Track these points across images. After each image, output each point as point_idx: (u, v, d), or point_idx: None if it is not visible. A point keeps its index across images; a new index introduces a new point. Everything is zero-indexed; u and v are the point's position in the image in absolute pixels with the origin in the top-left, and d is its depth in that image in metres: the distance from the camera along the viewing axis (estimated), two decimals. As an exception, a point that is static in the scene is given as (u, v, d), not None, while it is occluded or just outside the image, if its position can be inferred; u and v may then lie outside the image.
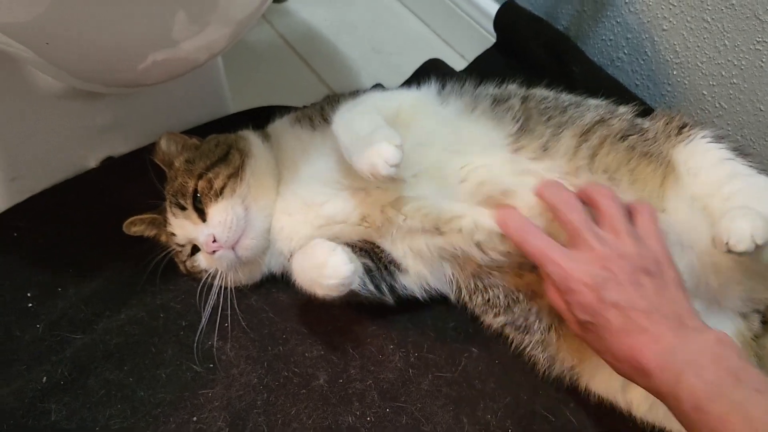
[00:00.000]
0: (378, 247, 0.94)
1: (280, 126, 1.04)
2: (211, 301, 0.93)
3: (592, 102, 1.01)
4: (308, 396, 0.90)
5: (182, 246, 0.95)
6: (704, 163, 0.90)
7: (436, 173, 0.91)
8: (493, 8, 1.42)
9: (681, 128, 0.96)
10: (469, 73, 1.40)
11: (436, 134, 0.93)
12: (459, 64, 1.46)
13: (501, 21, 1.40)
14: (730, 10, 1.05)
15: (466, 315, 0.98)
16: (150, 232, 1.00)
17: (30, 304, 0.97)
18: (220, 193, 0.91)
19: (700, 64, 1.14)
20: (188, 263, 0.96)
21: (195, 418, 0.87)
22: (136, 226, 0.99)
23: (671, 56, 1.18)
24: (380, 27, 1.66)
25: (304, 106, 1.16)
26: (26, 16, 0.65)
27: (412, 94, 1.01)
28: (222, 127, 1.16)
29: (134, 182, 1.06)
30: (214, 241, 0.88)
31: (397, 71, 1.46)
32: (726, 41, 1.08)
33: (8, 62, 0.92)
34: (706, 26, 1.10)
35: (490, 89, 1.02)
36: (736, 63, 1.08)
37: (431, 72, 1.35)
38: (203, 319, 0.93)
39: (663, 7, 1.15)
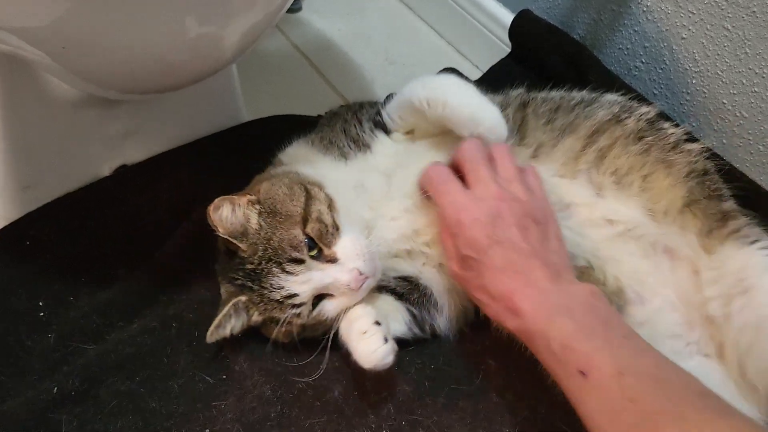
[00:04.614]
0: (421, 284, 0.93)
1: (299, 152, 1.00)
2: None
3: (608, 98, 1.00)
4: (323, 408, 0.89)
5: (301, 304, 0.84)
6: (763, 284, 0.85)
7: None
8: (508, 18, 1.42)
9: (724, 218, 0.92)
10: (483, 84, 1.40)
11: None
12: (474, 75, 1.45)
13: (516, 30, 1.39)
14: (751, 17, 1.04)
15: (482, 328, 0.97)
16: (238, 327, 0.88)
17: (42, 314, 0.96)
18: (337, 227, 0.86)
19: (720, 73, 1.12)
20: (309, 319, 0.86)
21: (208, 431, 0.86)
22: (220, 330, 0.87)
23: (690, 65, 1.16)
24: (394, 37, 1.66)
25: (319, 116, 1.16)
26: (44, 20, 0.65)
27: None
28: (237, 135, 1.16)
29: (148, 191, 1.06)
30: (360, 273, 0.84)
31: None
32: (747, 49, 1.06)
33: (22, 68, 0.92)
34: (726, 34, 1.08)
35: (492, 98, 1.01)
36: (757, 71, 1.06)
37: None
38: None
39: (682, 15, 1.14)
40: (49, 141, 1.04)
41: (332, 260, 0.84)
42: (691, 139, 0.98)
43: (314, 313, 0.85)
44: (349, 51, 1.62)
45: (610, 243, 0.92)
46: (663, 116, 1.00)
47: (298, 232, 0.83)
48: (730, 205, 0.94)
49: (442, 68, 1.40)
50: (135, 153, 1.14)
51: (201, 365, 0.91)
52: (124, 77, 0.84)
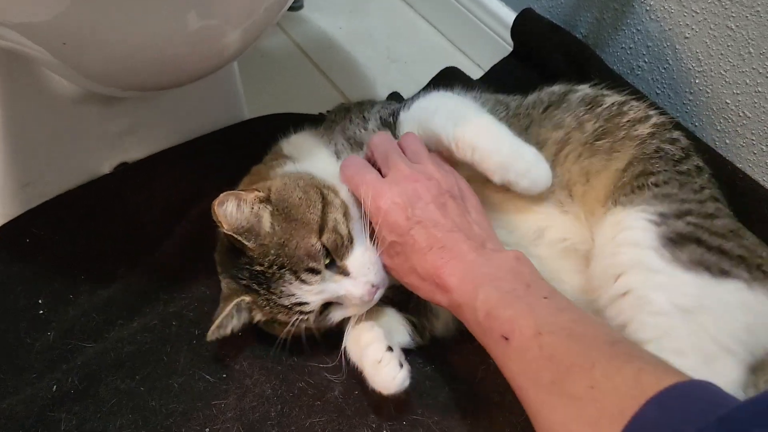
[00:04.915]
0: None
1: (305, 143, 0.99)
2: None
3: (577, 95, 0.98)
4: (323, 408, 0.88)
5: (309, 312, 0.82)
6: (621, 240, 0.84)
7: None
8: (510, 16, 1.41)
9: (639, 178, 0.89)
10: (485, 83, 1.39)
11: None
12: (476, 73, 1.44)
13: (518, 29, 1.38)
14: (755, 17, 1.03)
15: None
16: (239, 325, 0.87)
17: (41, 311, 0.96)
18: (351, 239, 0.83)
19: (723, 73, 1.12)
20: (315, 324, 0.85)
21: (208, 430, 0.85)
22: (221, 330, 0.85)
23: (693, 64, 1.16)
24: (396, 36, 1.65)
25: (320, 114, 1.15)
26: (45, 16, 0.65)
27: None
28: (237, 133, 1.15)
29: (148, 188, 1.06)
30: (372, 286, 0.83)
31: (412, 80, 1.45)
32: (751, 49, 1.06)
33: (23, 65, 0.91)
34: (729, 33, 1.08)
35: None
36: (761, 71, 1.06)
37: (448, 81, 1.34)
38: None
39: (685, 14, 1.13)
40: (50, 138, 1.04)
41: (344, 272, 0.83)
42: (654, 114, 0.96)
43: (320, 318, 0.84)
44: (351, 49, 1.61)
45: (558, 261, 0.91)
46: (632, 97, 0.98)
47: (314, 241, 0.81)
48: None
49: (443, 67, 1.40)
50: (135, 151, 1.13)
51: (201, 364, 0.91)
52: (125, 73, 0.84)
